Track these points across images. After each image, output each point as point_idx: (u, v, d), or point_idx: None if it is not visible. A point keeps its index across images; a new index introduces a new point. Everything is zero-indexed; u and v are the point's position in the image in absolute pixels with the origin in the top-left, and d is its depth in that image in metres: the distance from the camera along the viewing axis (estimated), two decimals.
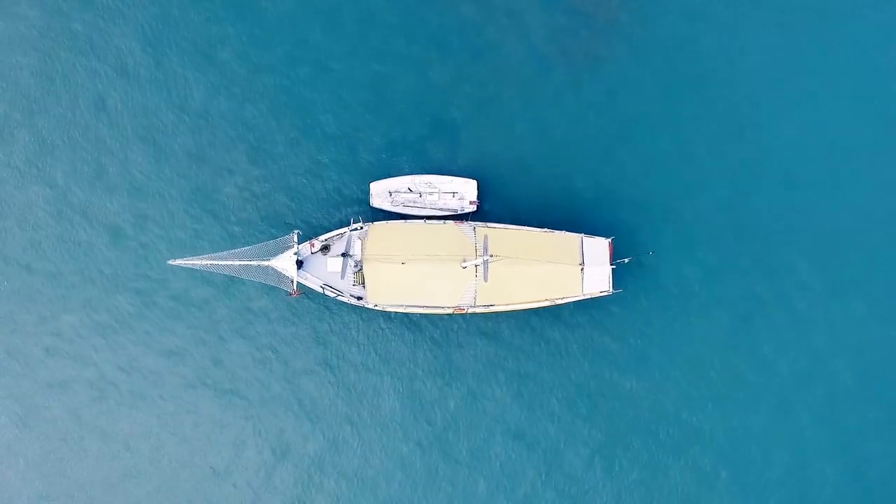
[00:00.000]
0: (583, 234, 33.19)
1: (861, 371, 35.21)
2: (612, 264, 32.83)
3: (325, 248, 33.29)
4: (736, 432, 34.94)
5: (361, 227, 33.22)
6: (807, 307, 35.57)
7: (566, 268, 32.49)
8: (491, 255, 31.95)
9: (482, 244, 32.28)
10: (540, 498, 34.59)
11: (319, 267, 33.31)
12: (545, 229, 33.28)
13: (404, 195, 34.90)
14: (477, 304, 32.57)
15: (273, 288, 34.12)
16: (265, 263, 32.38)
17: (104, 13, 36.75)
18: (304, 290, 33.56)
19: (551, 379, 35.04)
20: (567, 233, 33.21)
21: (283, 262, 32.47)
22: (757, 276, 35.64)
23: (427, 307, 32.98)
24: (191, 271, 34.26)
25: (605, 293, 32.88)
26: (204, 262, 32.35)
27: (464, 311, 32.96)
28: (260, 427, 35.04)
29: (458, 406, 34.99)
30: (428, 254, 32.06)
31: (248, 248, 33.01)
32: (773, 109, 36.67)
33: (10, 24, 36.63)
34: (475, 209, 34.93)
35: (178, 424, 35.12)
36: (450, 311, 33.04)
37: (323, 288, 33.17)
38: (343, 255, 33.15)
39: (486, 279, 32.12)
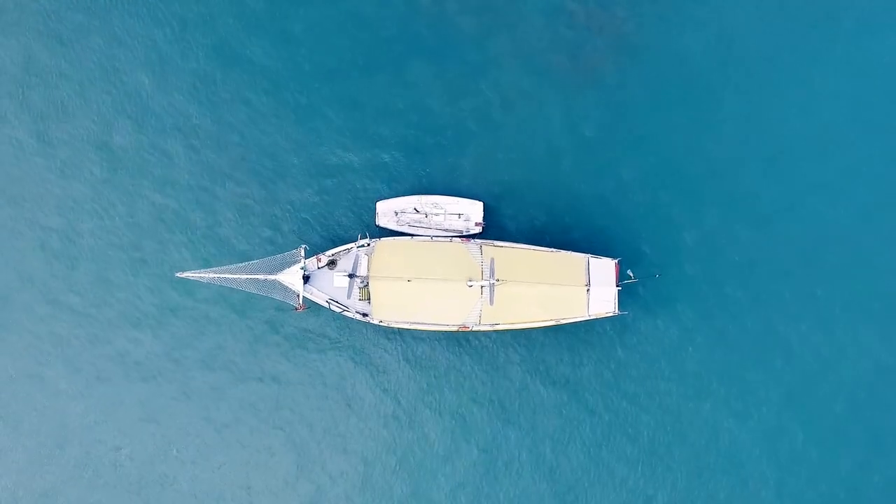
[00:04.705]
0: (589, 255, 33.26)
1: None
2: (618, 285, 32.83)
3: (332, 263, 33.45)
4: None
5: (368, 244, 33.45)
6: (821, 340, 35.04)
7: (572, 289, 32.50)
8: (497, 280, 32.05)
9: (488, 265, 32.39)
10: None
11: (326, 282, 33.41)
12: (552, 249, 33.41)
13: (410, 215, 35.16)
14: (482, 322, 32.58)
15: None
16: (272, 277, 32.52)
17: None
18: (309, 305, 33.64)
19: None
20: (573, 253, 33.26)
21: (290, 277, 32.60)
22: (769, 307, 35.26)
23: (432, 325, 33.06)
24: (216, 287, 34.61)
25: (611, 314, 32.82)
26: (211, 276, 32.54)
27: (468, 329, 32.94)
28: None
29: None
30: (434, 272, 32.18)
31: (255, 261, 33.11)
32: (794, 129, 35.85)
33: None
34: (481, 231, 35.10)
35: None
36: (454, 328, 33.04)
37: (328, 303, 33.27)
38: (350, 275, 33.32)
39: (491, 302, 32.17)
